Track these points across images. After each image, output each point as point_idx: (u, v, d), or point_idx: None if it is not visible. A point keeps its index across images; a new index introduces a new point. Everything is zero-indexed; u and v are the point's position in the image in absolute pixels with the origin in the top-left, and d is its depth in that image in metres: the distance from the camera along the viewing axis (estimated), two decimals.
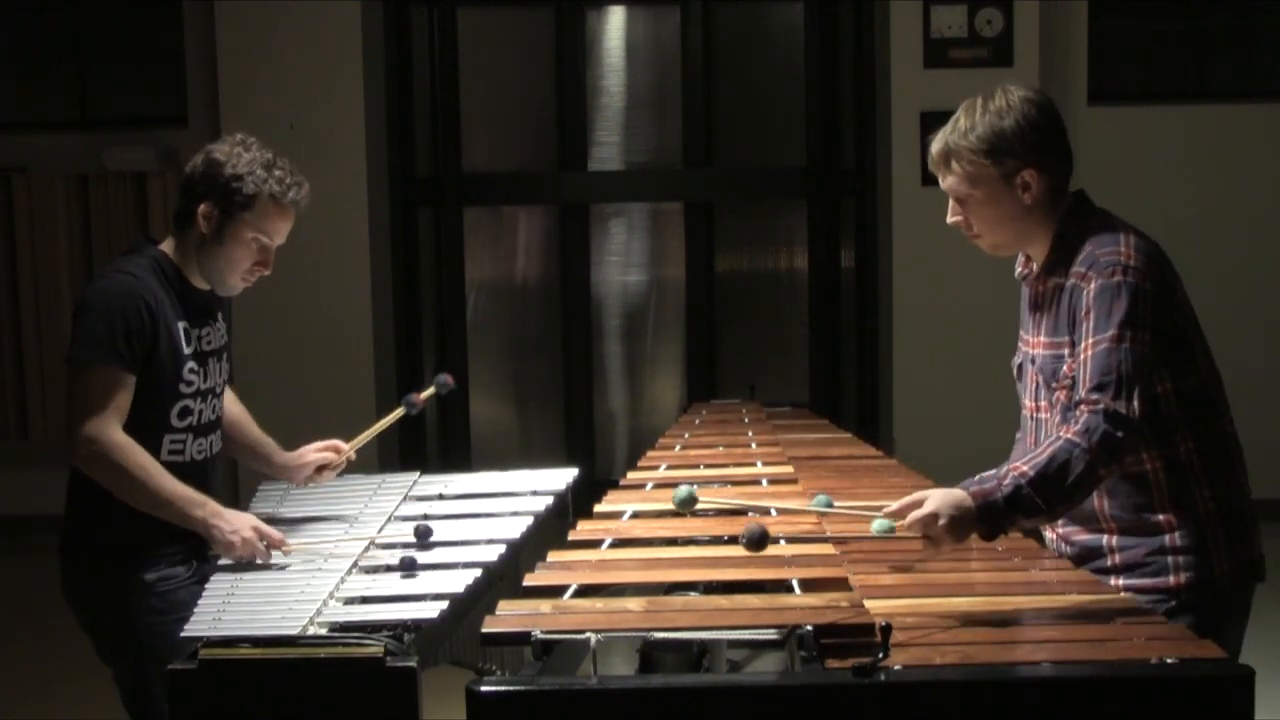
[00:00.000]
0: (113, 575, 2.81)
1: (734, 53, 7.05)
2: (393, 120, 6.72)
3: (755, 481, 3.25)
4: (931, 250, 6.44)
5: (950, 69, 6.38)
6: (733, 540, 2.60)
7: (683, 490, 2.41)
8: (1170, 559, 2.42)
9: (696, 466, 3.49)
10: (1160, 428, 2.40)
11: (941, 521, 2.23)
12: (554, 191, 7.09)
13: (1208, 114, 6.72)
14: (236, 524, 2.74)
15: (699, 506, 2.50)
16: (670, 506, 3.00)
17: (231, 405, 3.16)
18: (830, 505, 2.51)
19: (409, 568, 2.60)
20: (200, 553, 2.84)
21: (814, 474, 3.32)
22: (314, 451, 3.14)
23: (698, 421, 4.38)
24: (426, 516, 3.00)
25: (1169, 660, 1.93)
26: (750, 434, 4.01)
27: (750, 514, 2.81)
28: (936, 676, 1.94)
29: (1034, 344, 2.56)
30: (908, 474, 3.35)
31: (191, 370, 2.87)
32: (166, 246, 2.91)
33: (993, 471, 2.34)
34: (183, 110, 6.74)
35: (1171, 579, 2.42)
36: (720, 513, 2.95)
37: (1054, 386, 2.49)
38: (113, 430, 2.72)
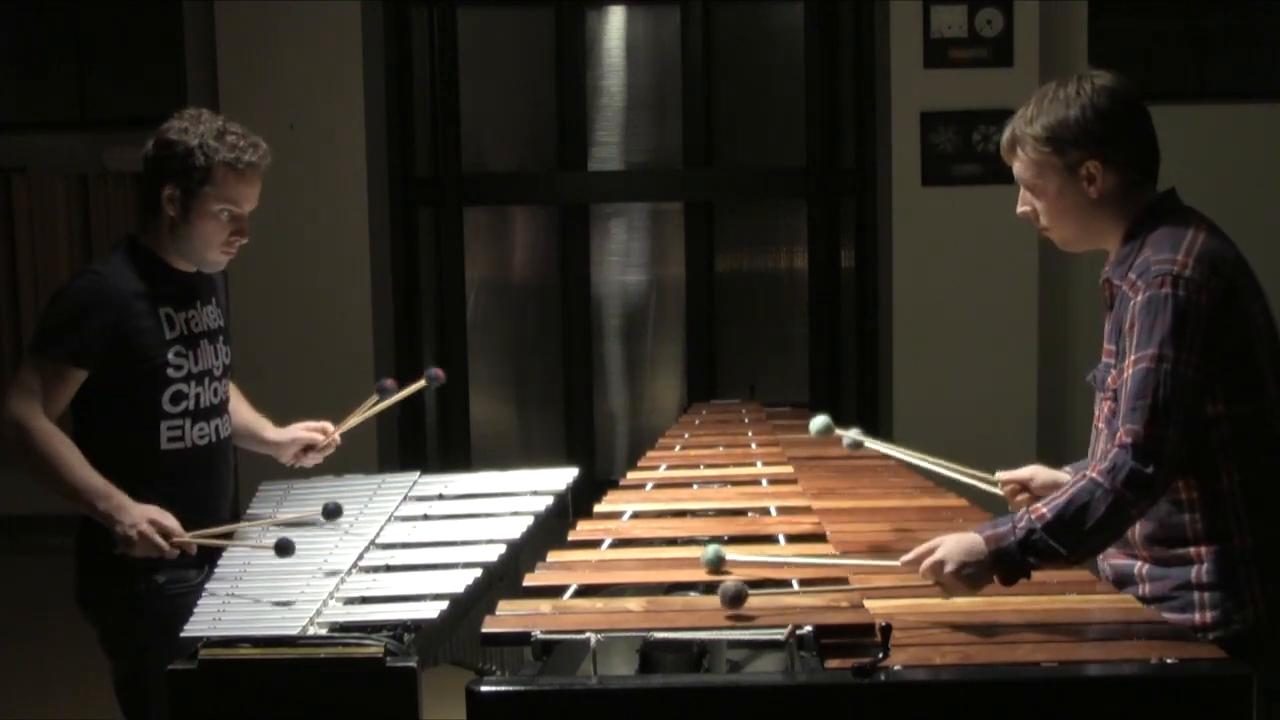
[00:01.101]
0: (124, 574, 2.82)
1: (734, 53, 7.05)
2: (393, 120, 6.72)
3: (755, 481, 3.25)
4: (931, 250, 6.45)
5: (950, 69, 6.38)
6: (733, 540, 2.59)
7: (710, 551, 2.35)
8: (1196, 595, 2.26)
9: (696, 466, 3.49)
10: (1205, 454, 2.24)
11: (949, 569, 2.15)
12: (554, 191, 7.09)
13: (1208, 114, 6.72)
14: (135, 517, 2.71)
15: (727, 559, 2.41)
16: (670, 506, 3.02)
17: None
18: (720, 559, 2.37)
19: (284, 549, 2.62)
20: (211, 556, 2.84)
21: (814, 474, 3.32)
22: (303, 429, 3.19)
23: (698, 421, 4.38)
24: (427, 517, 3.00)
25: (1169, 660, 1.93)
26: (750, 434, 4.01)
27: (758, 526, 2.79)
28: (936, 676, 1.94)
29: (1104, 350, 2.39)
30: (907, 474, 3.35)
31: (178, 354, 2.89)
32: (142, 235, 2.94)
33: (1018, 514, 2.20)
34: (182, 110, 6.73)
35: (1197, 616, 2.25)
36: (721, 512, 2.96)
37: (1101, 396, 2.36)
38: (35, 417, 2.75)
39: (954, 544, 2.17)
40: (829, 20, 6.87)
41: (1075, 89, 2.32)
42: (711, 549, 2.34)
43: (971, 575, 2.16)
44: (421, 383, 3.39)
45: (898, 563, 2.27)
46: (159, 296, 2.89)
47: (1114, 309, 2.34)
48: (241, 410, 3.21)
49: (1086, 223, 2.37)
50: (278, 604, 2.45)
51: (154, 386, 2.86)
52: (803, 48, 6.93)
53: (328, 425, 3.22)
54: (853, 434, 2.82)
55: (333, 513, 2.87)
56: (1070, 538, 2.13)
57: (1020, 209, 2.43)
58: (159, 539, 2.70)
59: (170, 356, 2.88)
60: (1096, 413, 2.42)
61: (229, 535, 2.82)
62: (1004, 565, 2.15)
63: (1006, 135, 2.39)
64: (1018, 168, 2.39)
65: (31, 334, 2.85)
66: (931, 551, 2.19)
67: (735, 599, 2.10)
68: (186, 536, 2.74)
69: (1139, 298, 2.22)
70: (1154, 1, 7.08)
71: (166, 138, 2.85)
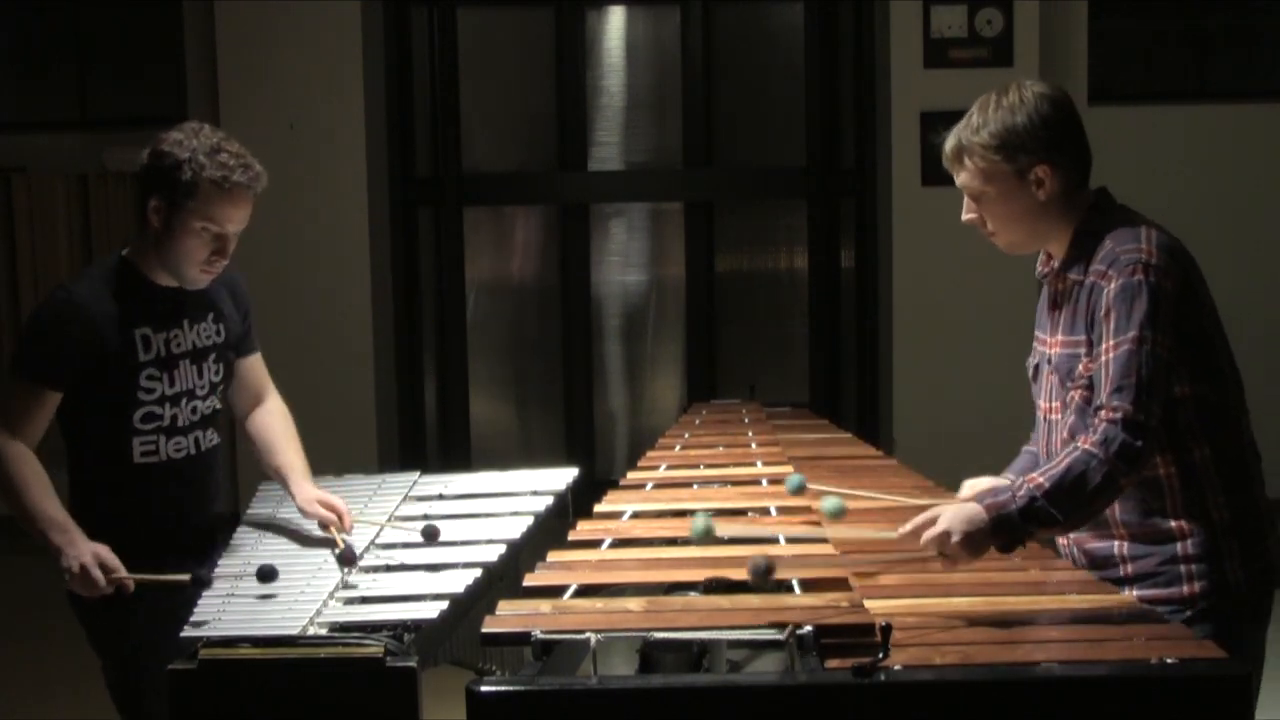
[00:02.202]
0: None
1: (734, 53, 7.05)
2: (393, 120, 6.72)
3: (755, 481, 3.25)
4: (931, 250, 6.45)
5: (950, 69, 6.38)
6: (733, 540, 2.59)
7: (699, 522, 2.35)
8: (1183, 568, 2.36)
9: (696, 466, 3.49)
10: (1176, 433, 2.34)
11: (955, 539, 2.21)
12: (554, 191, 7.09)
13: (1208, 114, 6.73)
14: (79, 551, 2.65)
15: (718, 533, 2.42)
16: (670, 506, 3.01)
17: (266, 424, 3.12)
18: (840, 510, 2.47)
19: (431, 537, 2.74)
20: (200, 559, 2.84)
21: (814, 474, 3.31)
22: (321, 507, 2.95)
23: (698, 421, 4.38)
24: (426, 516, 3.00)
25: (1169, 660, 1.93)
26: (750, 434, 4.01)
27: (751, 514, 2.79)
28: (936, 676, 1.94)
29: (1051, 343, 2.49)
30: (908, 474, 3.34)
31: (150, 377, 2.84)
32: (130, 249, 2.89)
33: (1007, 483, 2.31)
34: (183, 110, 6.73)
35: (1185, 588, 2.35)
36: (721, 512, 2.95)
37: (1069, 386, 2.43)
38: (5, 441, 2.73)
39: (955, 514, 2.23)
40: (829, 20, 6.87)
41: (1017, 97, 2.40)
42: (701, 520, 2.34)
43: (974, 544, 2.22)
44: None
45: (894, 534, 2.31)
46: (137, 316, 2.83)
47: (1072, 302, 2.42)
48: (284, 453, 3.07)
49: (1034, 225, 2.45)
50: (278, 604, 2.45)
51: (124, 406, 2.82)
52: (803, 48, 6.93)
53: (348, 519, 2.92)
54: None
55: (431, 535, 2.82)
56: (1068, 505, 2.22)
57: (966, 217, 2.50)
58: (97, 572, 2.63)
59: (141, 379, 2.83)
60: (1047, 405, 2.50)
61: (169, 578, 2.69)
62: (1004, 533, 2.22)
63: (951, 145, 2.46)
64: (964, 177, 2.46)
65: (14, 356, 2.83)
66: (931, 522, 2.24)
67: (766, 572, 2.12)
68: (124, 574, 2.67)
69: (1112, 286, 2.31)
70: (1154, 1, 7.08)
71: (160, 148, 2.79)
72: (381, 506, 3.06)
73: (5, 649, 5.33)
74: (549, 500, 3.10)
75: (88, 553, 2.65)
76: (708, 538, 2.36)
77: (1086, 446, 2.24)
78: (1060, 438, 2.46)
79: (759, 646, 2.24)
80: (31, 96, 7.37)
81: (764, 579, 2.16)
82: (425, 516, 2.99)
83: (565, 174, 7.04)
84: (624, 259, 7.19)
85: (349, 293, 6.56)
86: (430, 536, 2.81)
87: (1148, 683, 1.91)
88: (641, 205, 7.19)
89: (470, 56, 6.97)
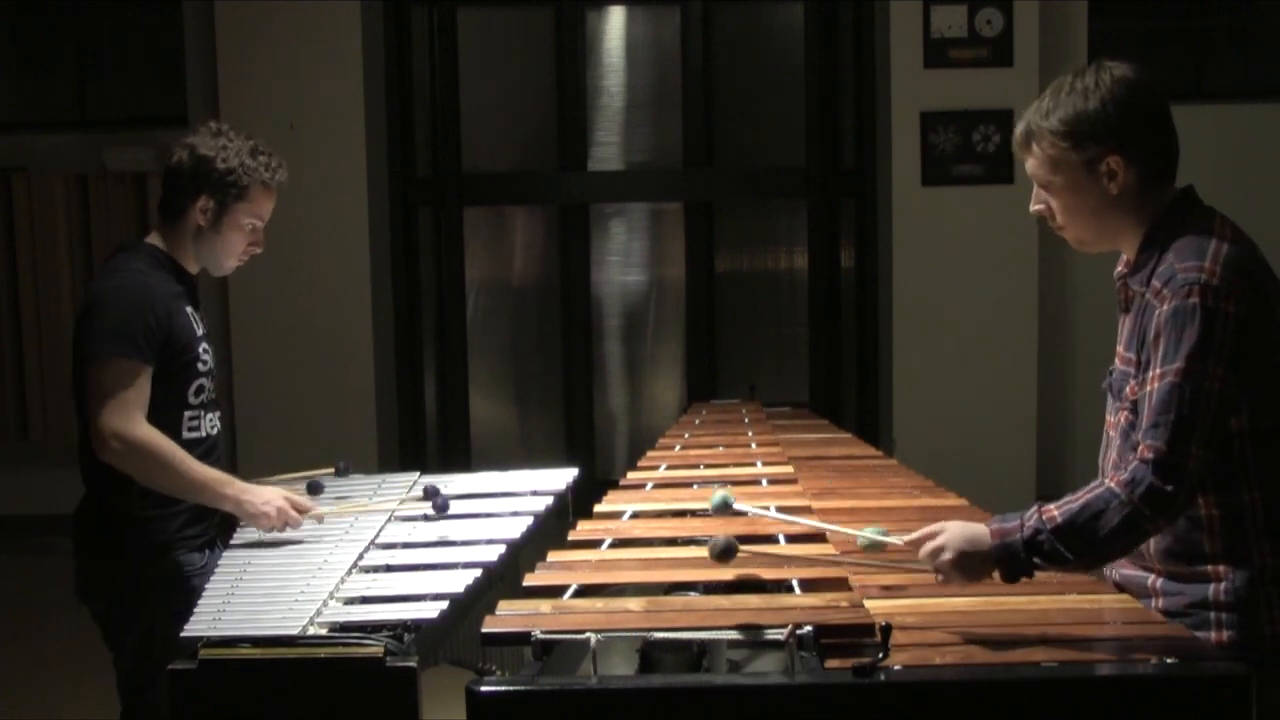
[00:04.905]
0: (136, 564, 2.89)
1: (734, 53, 7.05)
2: (393, 120, 6.72)
3: (755, 481, 3.25)
4: (931, 250, 6.46)
5: (950, 69, 6.39)
6: (747, 513, 2.60)
7: (718, 495, 2.36)
8: (1212, 614, 2.18)
9: (696, 466, 3.49)
10: (1226, 471, 2.15)
11: (947, 556, 2.13)
12: (554, 191, 7.09)
13: (1208, 114, 6.72)
14: (267, 496, 2.88)
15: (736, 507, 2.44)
16: (670, 506, 3.02)
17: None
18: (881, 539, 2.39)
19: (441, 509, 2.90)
20: (216, 539, 2.91)
21: (814, 474, 3.32)
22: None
23: (698, 421, 4.38)
24: (427, 517, 3.00)
25: (1169, 660, 1.93)
26: (750, 434, 4.01)
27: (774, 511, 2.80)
28: (936, 676, 1.94)
29: (1117, 354, 2.30)
30: (908, 474, 3.35)
31: (205, 350, 3.02)
32: (154, 239, 3.04)
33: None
34: (182, 110, 6.74)
35: (1213, 635, 2.17)
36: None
37: (1118, 405, 2.27)
38: (137, 424, 2.83)
39: (958, 531, 2.14)
40: (829, 20, 6.87)
41: (1094, 80, 2.22)
42: (719, 494, 2.35)
43: (971, 567, 2.13)
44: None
45: (900, 541, 2.27)
46: (184, 295, 3.02)
47: (1132, 315, 2.27)
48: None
49: (1104, 221, 2.27)
50: (278, 604, 2.45)
51: (185, 380, 2.97)
52: (803, 48, 6.93)
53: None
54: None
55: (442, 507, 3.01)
56: (1079, 544, 2.08)
57: (1034, 208, 2.32)
58: (294, 513, 2.87)
59: (200, 351, 3.01)
60: (1110, 419, 2.34)
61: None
62: (1006, 562, 2.12)
63: (1020, 130, 2.28)
64: (1031, 164, 2.27)
65: (93, 339, 2.87)
66: (935, 535, 2.16)
67: (725, 553, 2.12)
68: (318, 509, 2.95)
69: (1165, 308, 2.13)
70: (1154, 1, 7.08)
71: (203, 153, 2.97)
72: (382, 506, 3.06)
73: (5, 649, 5.33)
74: (549, 500, 3.10)
75: (278, 497, 2.89)
76: (725, 510, 2.35)
77: (1111, 484, 2.09)
78: (1111, 458, 2.31)
79: (759, 646, 2.24)
80: (31, 96, 7.37)
81: (724, 558, 2.15)
82: (425, 516, 3.00)
83: (565, 174, 7.04)
84: (624, 259, 7.19)
85: (349, 293, 6.55)
86: (441, 509, 2.98)
87: (1148, 683, 1.91)
88: (641, 205, 7.19)
89: (470, 56, 6.96)
